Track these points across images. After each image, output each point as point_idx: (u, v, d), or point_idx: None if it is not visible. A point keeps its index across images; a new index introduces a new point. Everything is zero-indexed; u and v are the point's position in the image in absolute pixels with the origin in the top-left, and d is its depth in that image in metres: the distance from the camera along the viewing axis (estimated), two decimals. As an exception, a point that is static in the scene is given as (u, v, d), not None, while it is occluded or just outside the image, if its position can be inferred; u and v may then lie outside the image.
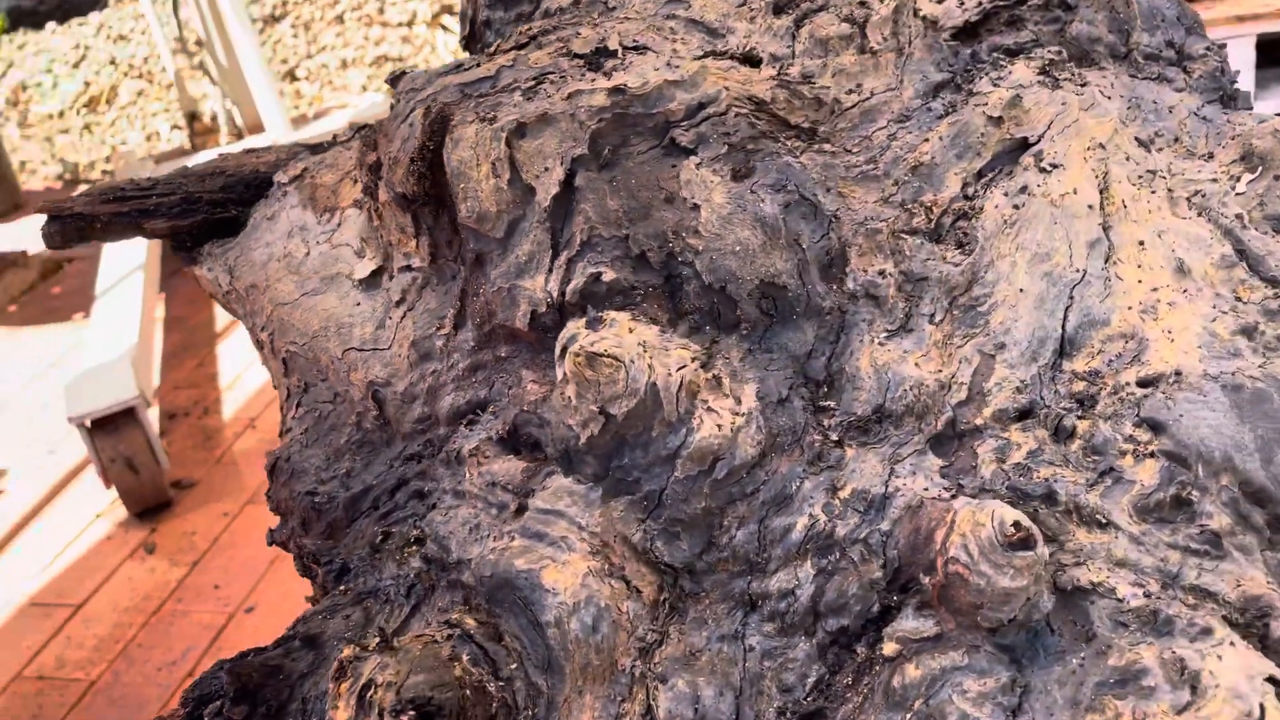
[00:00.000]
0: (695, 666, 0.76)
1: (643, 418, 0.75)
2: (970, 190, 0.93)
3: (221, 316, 4.20)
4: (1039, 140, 0.95)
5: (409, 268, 0.90)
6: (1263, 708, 0.71)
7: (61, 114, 6.76)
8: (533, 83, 0.82)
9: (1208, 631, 0.76)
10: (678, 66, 0.82)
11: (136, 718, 2.52)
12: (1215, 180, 1.00)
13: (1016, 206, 0.91)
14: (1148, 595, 0.78)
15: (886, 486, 0.80)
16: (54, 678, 2.81)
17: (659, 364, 0.74)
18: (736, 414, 0.76)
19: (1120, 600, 0.78)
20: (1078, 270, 0.90)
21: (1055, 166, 0.93)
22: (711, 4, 0.96)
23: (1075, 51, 1.12)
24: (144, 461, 3.07)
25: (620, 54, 0.85)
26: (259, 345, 1.00)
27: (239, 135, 5.01)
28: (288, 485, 0.97)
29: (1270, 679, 0.73)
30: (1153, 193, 0.97)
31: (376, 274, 0.93)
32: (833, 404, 0.83)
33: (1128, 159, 0.97)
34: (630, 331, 0.75)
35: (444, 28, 6.15)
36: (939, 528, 0.77)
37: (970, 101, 0.95)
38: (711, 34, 0.92)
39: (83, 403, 2.98)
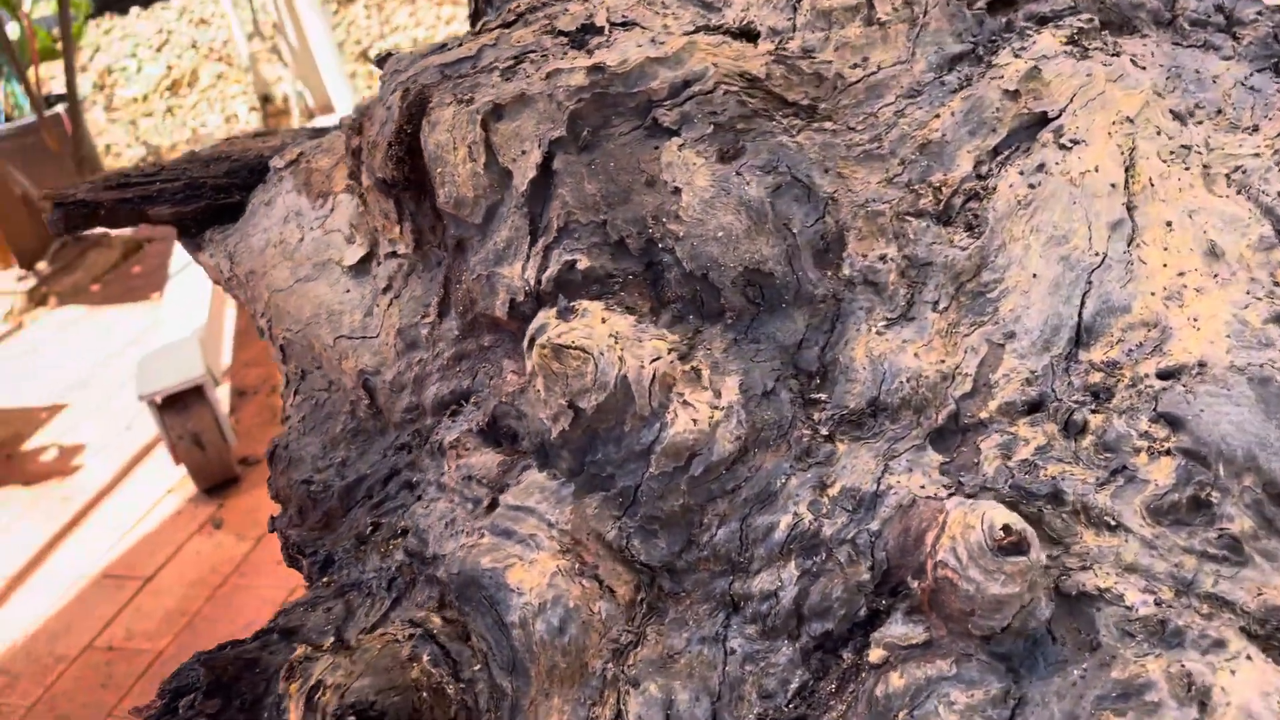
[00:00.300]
0: (672, 670, 0.73)
1: (614, 412, 0.72)
2: (984, 169, 0.87)
3: (291, 296, 4.26)
4: (1060, 115, 0.89)
5: (395, 254, 0.88)
6: (1277, 728, 0.66)
7: (145, 97, 6.92)
8: (512, 62, 0.79)
9: (1221, 644, 0.70)
10: (663, 43, 0.78)
11: (197, 690, 2.56)
12: (1258, 155, 0.93)
13: (1032, 186, 0.86)
14: (1159, 603, 0.73)
15: (878, 484, 0.76)
16: (123, 648, 2.89)
17: (631, 356, 0.71)
18: (715, 408, 0.73)
19: (1129, 608, 0.73)
20: (1097, 254, 0.84)
21: (1076, 143, 0.87)
22: (710, -24, 0.92)
23: (1116, 18, 1.05)
24: (211, 439, 3.14)
25: (607, 31, 0.81)
26: (260, 332, 0.99)
27: (310, 116, 5.08)
28: (285, 473, 0.96)
29: (1289, 697, 0.68)
30: (1186, 169, 0.90)
31: (365, 260, 0.91)
32: (824, 397, 0.79)
33: (1159, 133, 0.91)
34: (603, 322, 0.72)
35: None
36: (930, 529, 0.73)
37: (986, 75, 0.90)
38: (707, 7, 0.87)
39: (152, 381, 3.06)
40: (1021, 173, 0.86)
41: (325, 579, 0.84)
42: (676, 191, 0.76)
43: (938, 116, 0.88)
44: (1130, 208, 0.86)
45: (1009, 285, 0.83)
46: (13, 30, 5.71)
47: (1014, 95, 0.88)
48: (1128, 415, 0.78)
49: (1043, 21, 1.01)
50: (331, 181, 0.95)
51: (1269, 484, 0.74)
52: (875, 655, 0.73)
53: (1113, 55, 0.96)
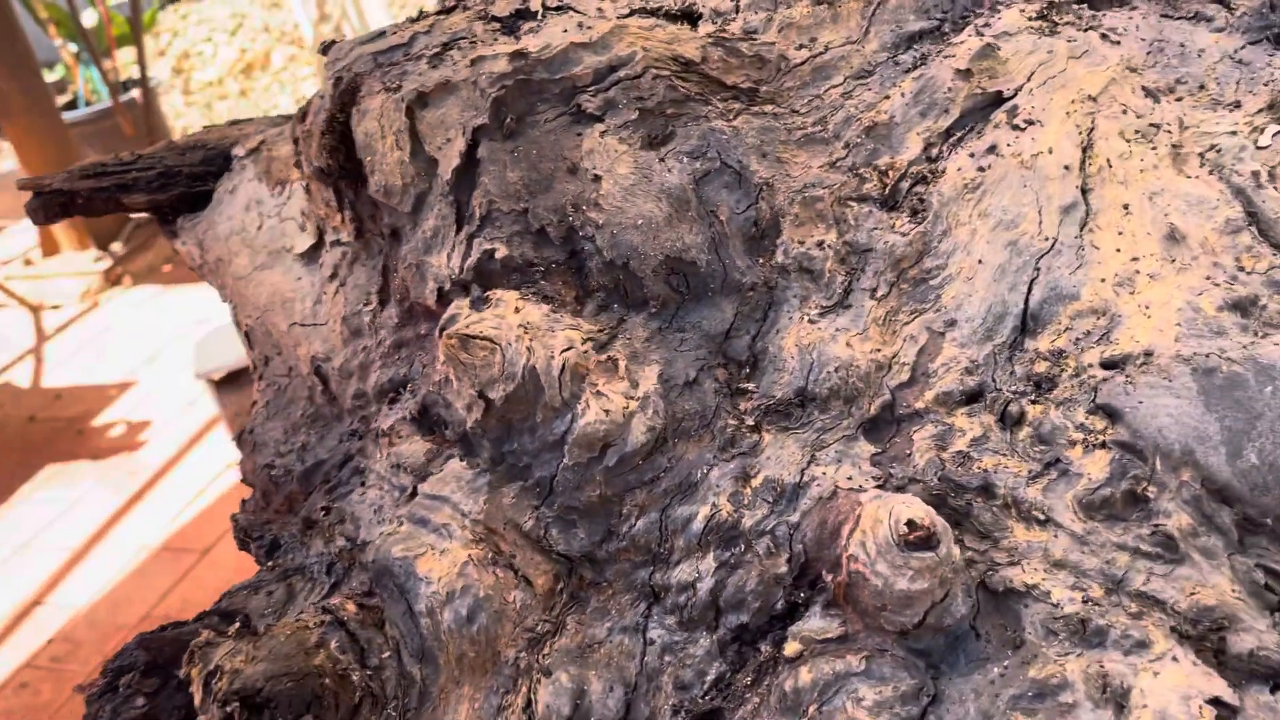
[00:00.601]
0: (588, 660, 0.73)
1: (525, 402, 0.71)
2: (934, 152, 0.85)
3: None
4: (1015, 94, 0.85)
5: (339, 242, 0.89)
6: (1193, 733, 0.64)
7: (220, 80, 7.07)
8: (440, 49, 0.79)
9: (1145, 644, 0.68)
10: (590, 28, 0.77)
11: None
12: (1234, 133, 0.89)
13: (982, 169, 0.83)
14: (1086, 601, 0.71)
15: (801, 475, 0.75)
16: (179, 620, 2.98)
17: (541, 346, 0.70)
18: (631, 398, 0.72)
19: (1055, 605, 0.71)
20: (1047, 239, 0.81)
21: (1031, 123, 0.84)
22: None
23: (1107, -12, 1.01)
24: (263, 417, 3.19)
25: (541, 15, 0.80)
26: (234, 320, 1.01)
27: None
28: (251, 458, 0.98)
29: (1215, 701, 0.66)
30: (1152, 149, 0.87)
31: (315, 248, 0.91)
32: (753, 386, 0.78)
33: (1125, 112, 0.87)
34: (516, 311, 0.72)
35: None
36: (846, 522, 0.71)
37: (941, 53, 0.87)
38: (648, -11, 0.86)
39: (208, 360, 3.14)
40: (972, 155, 0.83)
41: (270, 563, 0.86)
42: (597, 179, 0.75)
43: (887, 98, 0.86)
44: (1085, 190, 0.83)
45: (952, 272, 0.81)
46: (90, 18, 5.88)
47: (966, 75, 0.85)
48: (1065, 406, 0.76)
49: (1023, -7, 0.97)
50: (289, 169, 0.96)
51: (1207, 479, 0.71)
52: (791, 649, 0.72)
53: (1085, 30, 0.92)
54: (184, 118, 6.84)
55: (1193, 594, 0.70)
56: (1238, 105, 0.93)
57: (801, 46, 0.85)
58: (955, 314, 0.80)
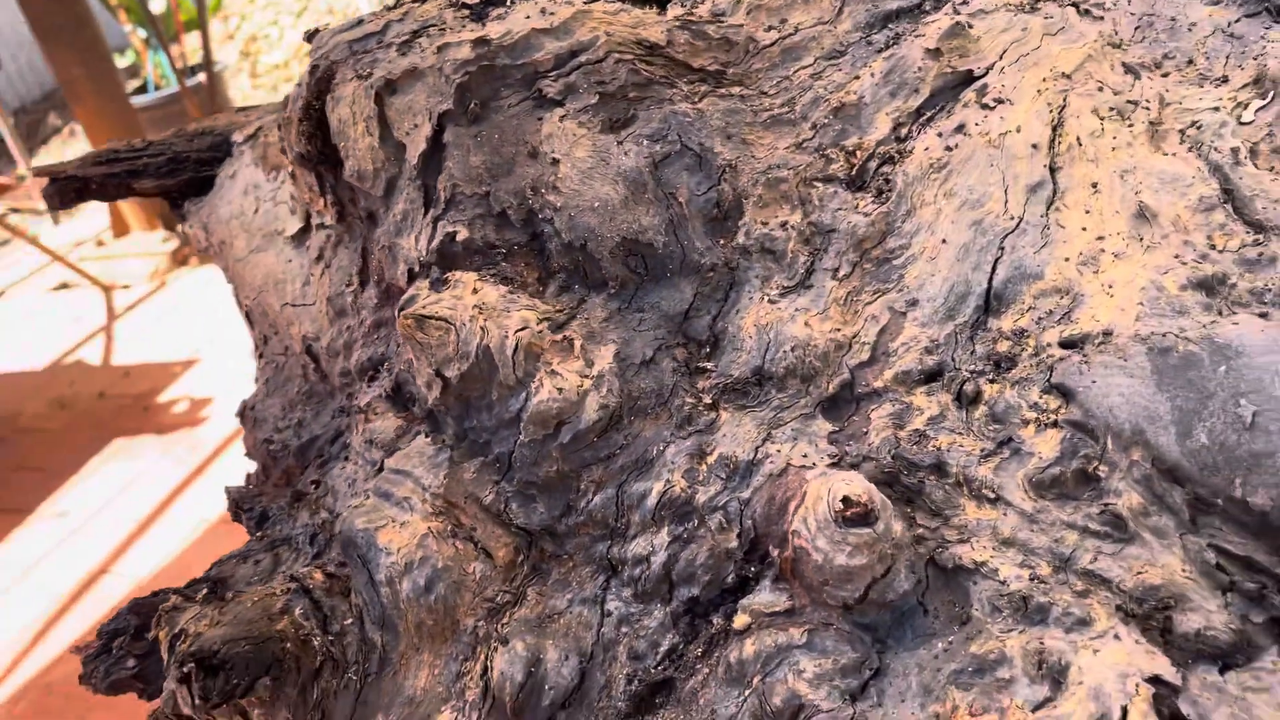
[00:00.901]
0: (548, 629, 0.76)
1: (480, 381, 0.74)
2: (904, 132, 0.85)
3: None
4: (986, 73, 0.85)
5: (323, 225, 0.91)
6: (1125, 711, 0.64)
7: (286, 63, 7.20)
8: (410, 36, 0.81)
9: (1085, 622, 0.68)
10: (552, 13, 0.78)
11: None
12: (1217, 109, 0.88)
13: (949, 148, 0.83)
14: (1033, 579, 0.71)
15: (755, 453, 0.76)
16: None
17: (495, 326, 0.73)
18: (585, 376, 0.74)
19: (1002, 582, 0.72)
20: (1012, 218, 0.81)
21: (1000, 102, 0.84)
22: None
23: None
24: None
25: (509, 2, 0.82)
26: (236, 300, 1.05)
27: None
28: (252, 433, 1.02)
29: (1155, 679, 0.66)
30: (1128, 126, 0.86)
31: (304, 231, 0.95)
32: (712, 365, 0.79)
33: (1101, 89, 0.87)
34: (474, 292, 0.74)
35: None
36: (793, 499, 0.73)
37: (913, 32, 0.87)
38: (618, -27, 0.87)
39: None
40: (940, 134, 0.83)
41: (259, 533, 0.89)
42: (555, 163, 0.77)
43: (857, 78, 0.86)
44: (1053, 169, 0.82)
45: (916, 252, 0.81)
46: (159, 4, 6.02)
47: (936, 54, 0.85)
48: (1021, 386, 0.76)
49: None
50: (282, 155, 0.99)
51: (1157, 459, 0.71)
52: (740, 621, 0.74)
53: (1066, 5, 0.91)
54: (251, 100, 6.97)
55: (1140, 573, 0.70)
56: (1225, 80, 0.92)
57: (771, 28, 0.86)
58: (917, 293, 0.80)
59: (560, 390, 0.73)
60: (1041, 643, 0.68)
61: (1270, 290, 0.77)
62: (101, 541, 3.32)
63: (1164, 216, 0.82)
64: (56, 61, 4.76)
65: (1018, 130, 0.83)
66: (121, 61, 6.41)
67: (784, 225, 0.81)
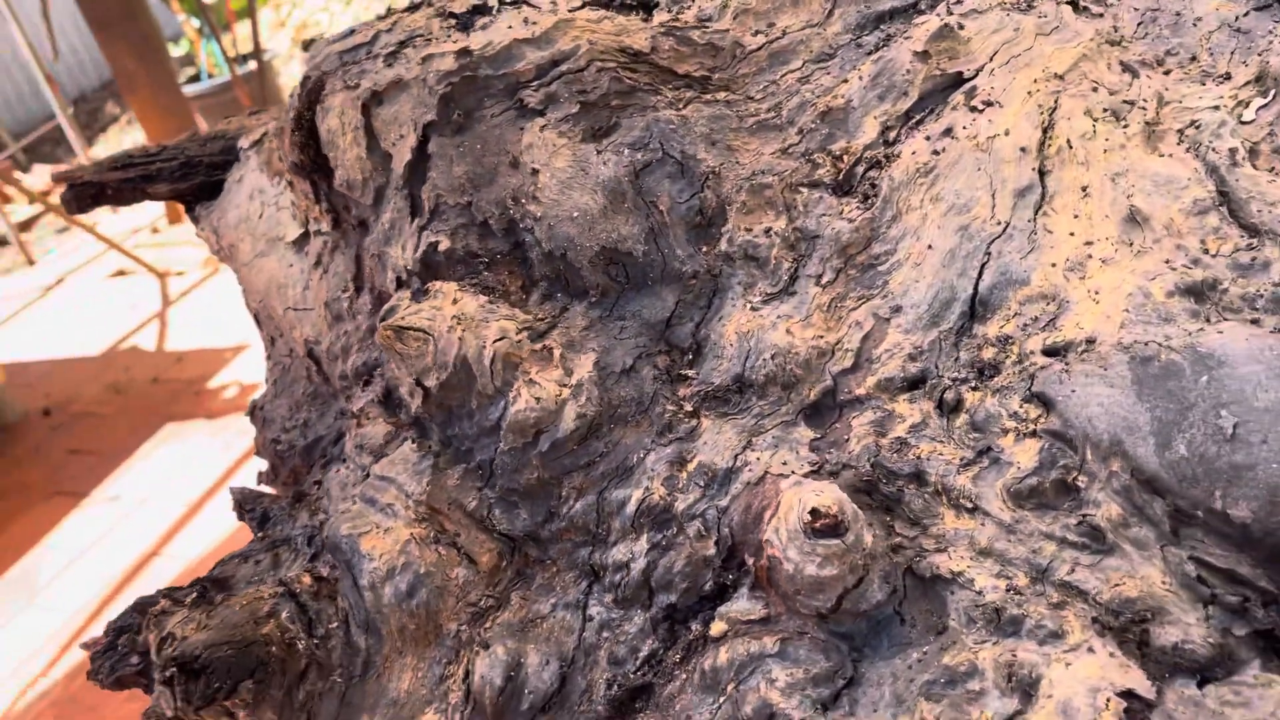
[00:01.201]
0: (530, 634, 0.77)
1: (460, 390, 0.75)
2: (892, 136, 0.84)
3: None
4: (975, 75, 0.84)
5: (320, 231, 0.93)
6: (1094, 725, 0.64)
7: (336, 49, 7.26)
8: (397, 47, 0.82)
9: (1058, 635, 0.68)
10: (534, 23, 0.79)
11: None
12: (1217, 108, 0.86)
13: (936, 152, 0.82)
14: (1010, 589, 0.71)
15: (735, 460, 0.76)
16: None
17: (473, 336, 0.74)
18: (564, 385, 0.75)
19: (979, 593, 0.72)
20: (999, 223, 0.80)
21: (989, 104, 0.83)
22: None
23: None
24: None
25: (495, 11, 0.83)
26: (245, 302, 1.07)
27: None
28: (262, 432, 1.04)
29: (1128, 693, 0.66)
30: (1122, 127, 0.85)
31: (304, 237, 0.96)
32: (693, 373, 0.79)
33: (1095, 89, 0.85)
34: (454, 303, 0.75)
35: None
36: (769, 507, 0.73)
37: (902, 35, 0.86)
38: (605, -20, 0.87)
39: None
40: (927, 138, 0.83)
41: (260, 534, 0.92)
42: (535, 173, 0.77)
43: (845, 82, 0.85)
44: (1042, 173, 0.81)
45: (901, 257, 0.81)
46: (210, -7, 6.11)
47: (924, 56, 0.84)
48: (1002, 394, 0.75)
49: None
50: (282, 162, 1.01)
51: (1136, 470, 0.71)
52: (716, 629, 0.74)
53: (1063, 3, 0.89)
54: (303, 87, 7.05)
55: (1117, 585, 0.70)
56: (1228, 77, 0.90)
57: (759, 32, 0.86)
58: (902, 300, 0.80)
59: (538, 400, 0.74)
60: (1014, 655, 0.68)
61: (1262, 296, 0.76)
62: (153, 524, 3.40)
63: (1156, 220, 0.80)
64: (110, 52, 4.86)
65: (1006, 133, 0.82)
66: (176, 51, 6.52)
67: (768, 231, 0.81)
